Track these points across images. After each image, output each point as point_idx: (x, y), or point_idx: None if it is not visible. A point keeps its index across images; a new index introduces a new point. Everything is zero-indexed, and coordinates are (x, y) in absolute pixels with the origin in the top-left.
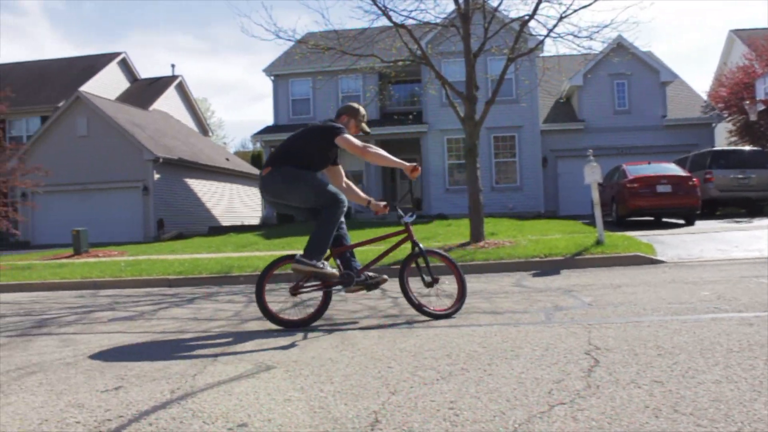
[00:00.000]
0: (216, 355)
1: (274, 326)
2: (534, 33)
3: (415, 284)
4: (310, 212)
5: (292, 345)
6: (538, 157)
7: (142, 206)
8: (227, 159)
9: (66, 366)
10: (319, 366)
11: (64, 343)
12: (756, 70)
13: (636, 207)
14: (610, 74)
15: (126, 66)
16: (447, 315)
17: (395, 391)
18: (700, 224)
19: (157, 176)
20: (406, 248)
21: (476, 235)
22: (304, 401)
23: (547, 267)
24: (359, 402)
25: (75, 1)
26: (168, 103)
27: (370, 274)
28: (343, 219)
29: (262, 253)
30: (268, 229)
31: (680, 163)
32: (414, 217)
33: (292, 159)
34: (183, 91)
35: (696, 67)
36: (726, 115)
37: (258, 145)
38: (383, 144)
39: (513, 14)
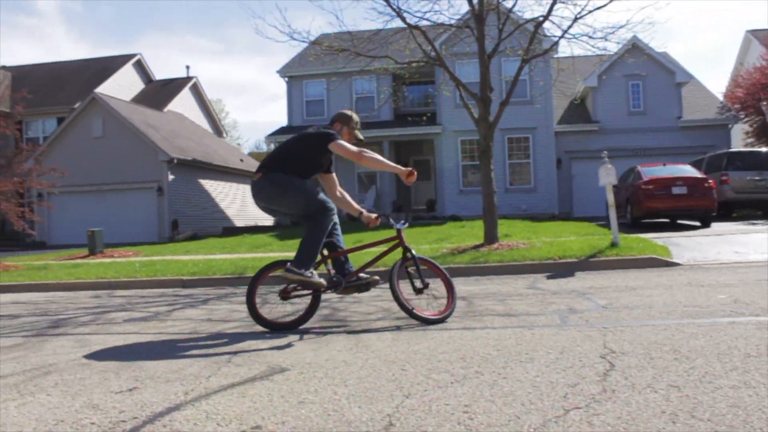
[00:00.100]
0: (230, 357)
1: (287, 329)
2: (548, 34)
3: (404, 289)
4: (302, 217)
5: (306, 347)
6: (553, 158)
7: (157, 207)
8: (241, 160)
9: (81, 367)
10: (333, 368)
11: (80, 343)
12: None
13: (651, 209)
14: (624, 75)
15: (141, 67)
16: (440, 320)
17: (409, 394)
18: (716, 226)
19: (171, 177)
20: (398, 253)
21: (490, 236)
22: (318, 404)
23: (561, 269)
24: (373, 405)
25: (92, 2)
26: (182, 104)
27: (362, 275)
28: (338, 224)
29: (276, 254)
30: (281, 230)
31: (696, 164)
32: (406, 224)
33: (284, 165)
34: (197, 92)
35: (712, 67)
36: (742, 116)
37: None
38: (397, 145)
39: (527, 15)
